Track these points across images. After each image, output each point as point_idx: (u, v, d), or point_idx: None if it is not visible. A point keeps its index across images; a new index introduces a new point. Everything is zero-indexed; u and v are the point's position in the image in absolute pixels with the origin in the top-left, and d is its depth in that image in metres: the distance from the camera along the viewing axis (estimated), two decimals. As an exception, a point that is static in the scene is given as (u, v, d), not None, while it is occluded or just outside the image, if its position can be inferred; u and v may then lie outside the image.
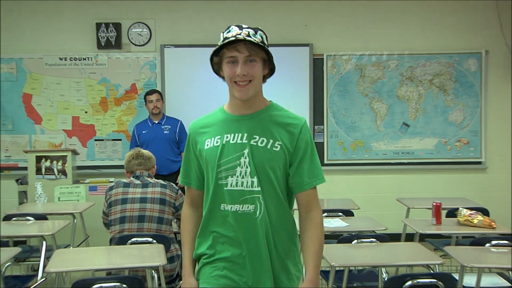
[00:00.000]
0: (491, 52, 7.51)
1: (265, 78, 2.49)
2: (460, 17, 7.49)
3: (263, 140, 2.43)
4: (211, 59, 2.46)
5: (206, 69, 7.51)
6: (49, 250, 4.76)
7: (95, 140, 7.42)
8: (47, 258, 4.31)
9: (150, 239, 4.20)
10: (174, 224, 4.65)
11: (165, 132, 6.71)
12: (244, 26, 2.38)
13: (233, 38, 2.32)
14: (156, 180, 4.64)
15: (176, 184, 6.06)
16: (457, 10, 7.48)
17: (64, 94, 7.35)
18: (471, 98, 7.51)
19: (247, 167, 2.40)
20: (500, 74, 7.54)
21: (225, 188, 2.42)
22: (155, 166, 4.83)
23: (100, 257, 4.04)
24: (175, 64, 7.38)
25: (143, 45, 7.41)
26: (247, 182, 2.41)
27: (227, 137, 2.45)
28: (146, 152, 4.79)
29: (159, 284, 3.84)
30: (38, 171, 6.54)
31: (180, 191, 4.68)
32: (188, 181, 2.63)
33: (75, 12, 7.33)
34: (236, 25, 2.40)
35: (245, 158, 2.40)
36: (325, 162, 7.44)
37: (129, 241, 4.20)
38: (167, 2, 7.37)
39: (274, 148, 2.42)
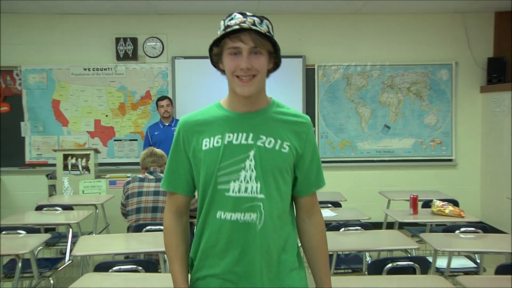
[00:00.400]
0: (460, 63, 7.51)
1: (269, 72, 1.99)
2: (434, 34, 7.49)
3: (270, 141, 1.94)
4: (210, 50, 1.95)
5: (212, 77, 7.50)
6: (75, 236, 4.79)
7: (114, 140, 7.42)
8: (73, 243, 4.33)
9: (162, 227, 4.19)
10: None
11: (174, 133, 6.69)
12: (248, 13, 1.89)
13: (237, 27, 1.83)
14: (167, 175, 4.65)
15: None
16: (431, 28, 7.49)
17: (87, 100, 7.35)
18: (443, 103, 7.51)
19: (252, 171, 1.90)
20: (468, 83, 7.54)
21: (226, 194, 1.91)
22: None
23: (119, 243, 4.04)
24: (184, 74, 7.37)
25: (156, 57, 7.40)
26: (252, 187, 1.90)
27: (229, 137, 1.93)
28: (158, 150, 4.80)
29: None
30: (65, 167, 6.54)
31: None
32: (175, 186, 2.05)
33: (97, 28, 7.34)
34: (239, 12, 1.90)
35: (251, 160, 1.90)
36: (316, 159, 7.44)
37: (144, 229, 4.23)
38: (177, 19, 7.37)
39: (282, 149, 1.94)
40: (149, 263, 3.34)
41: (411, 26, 7.51)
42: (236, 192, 1.90)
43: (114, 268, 3.24)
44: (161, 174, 4.59)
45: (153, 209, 4.38)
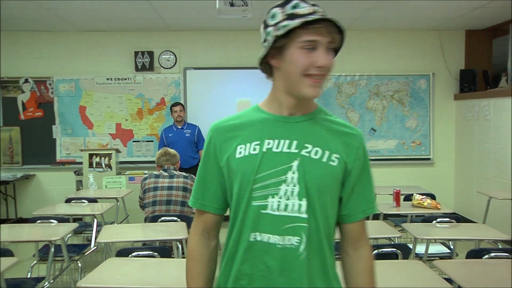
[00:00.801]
0: (437, 74, 7.51)
1: None
2: (414, 48, 7.49)
3: (317, 151, 1.44)
4: (274, 41, 1.39)
5: (218, 85, 7.48)
6: (99, 226, 4.81)
7: (133, 141, 7.42)
8: (98, 231, 4.34)
9: (175, 218, 4.22)
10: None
11: (186, 135, 6.72)
12: (310, 1, 1.42)
13: (317, 16, 1.35)
14: (179, 172, 4.66)
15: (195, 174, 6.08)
16: (411, 43, 7.48)
17: (110, 106, 7.37)
18: (422, 109, 7.51)
19: (294, 186, 1.41)
20: (443, 91, 7.54)
21: (262, 211, 1.42)
22: (179, 162, 4.84)
23: (137, 232, 4.05)
24: (194, 82, 7.37)
25: (170, 68, 7.41)
26: (293, 205, 1.41)
27: (268, 144, 1.45)
28: (172, 150, 4.81)
29: (183, 253, 3.86)
30: (90, 165, 6.56)
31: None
32: (203, 202, 1.55)
33: (119, 43, 7.35)
34: (302, 0, 1.41)
35: (293, 173, 1.41)
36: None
37: (159, 219, 4.25)
38: (188, 35, 7.37)
39: (330, 162, 1.45)
40: (163, 250, 3.35)
41: (394, 41, 7.51)
42: (275, 210, 1.41)
43: (133, 254, 3.25)
44: (174, 171, 4.60)
45: (167, 202, 4.40)
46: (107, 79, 7.34)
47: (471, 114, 7.03)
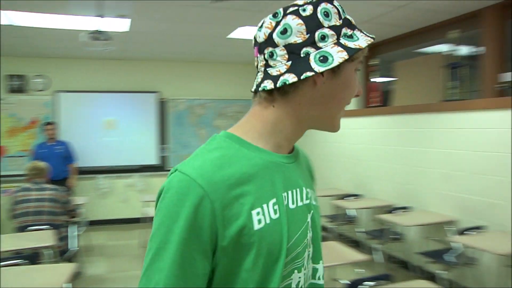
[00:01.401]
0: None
1: None
2: (252, 77, 7.87)
3: (313, 194, 0.97)
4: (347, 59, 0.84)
5: (87, 106, 7.19)
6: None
7: (8, 156, 6.87)
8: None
9: (46, 226, 4.04)
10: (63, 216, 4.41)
11: (58, 151, 6.38)
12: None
13: (372, 36, 0.87)
14: (49, 184, 4.43)
15: (65, 186, 5.77)
16: (251, 72, 7.84)
17: (-17, 125, 6.74)
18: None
19: (309, 246, 0.91)
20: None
21: None
22: (49, 175, 4.60)
23: (9, 242, 3.80)
24: (64, 104, 7.04)
25: (42, 90, 6.99)
26: (308, 272, 0.92)
27: (285, 199, 0.87)
28: (40, 164, 4.53)
29: (54, 257, 3.69)
30: (-37, 179, 5.97)
31: (67, 191, 4.51)
32: None
33: (-9, 67, 6.78)
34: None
35: (310, 231, 0.91)
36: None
37: (30, 228, 4.03)
38: (60, 62, 7.03)
39: (318, 205, 0.99)
40: (32, 256, 3.21)
41: (237, 72, 7.81)
42: (301, 286, 0.89)
43: (3, 263, 3.06)
44: (44, 184, 4.35)
45: (38, 213, 4.17)
46: (-20, 100, 6.71)
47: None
